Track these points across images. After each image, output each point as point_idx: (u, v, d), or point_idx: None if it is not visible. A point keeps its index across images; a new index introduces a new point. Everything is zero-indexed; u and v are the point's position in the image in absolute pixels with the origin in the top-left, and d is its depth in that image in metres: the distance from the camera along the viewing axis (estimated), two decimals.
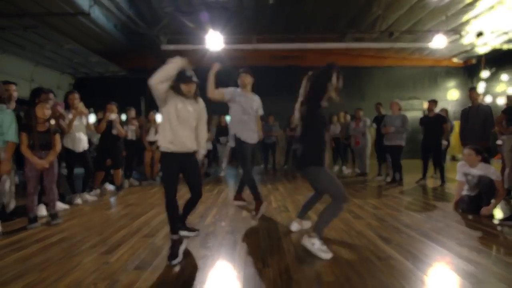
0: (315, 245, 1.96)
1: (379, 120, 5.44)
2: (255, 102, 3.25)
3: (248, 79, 3.19)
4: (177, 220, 2.14)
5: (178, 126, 2.09)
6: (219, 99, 3.08)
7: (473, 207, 2.93)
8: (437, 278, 1.66)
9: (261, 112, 3.30)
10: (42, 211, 3.06)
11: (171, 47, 6.97)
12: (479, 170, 2.90)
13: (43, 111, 2.70)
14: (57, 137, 2.87)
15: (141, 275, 1.73)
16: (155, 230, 2.57)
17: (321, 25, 7.27)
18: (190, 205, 2.30)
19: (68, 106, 3.66)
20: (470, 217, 2.82)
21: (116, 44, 7.42)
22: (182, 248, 2.02)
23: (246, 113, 3.14)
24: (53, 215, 2.81)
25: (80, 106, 3.66)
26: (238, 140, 3.13)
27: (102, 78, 9.17)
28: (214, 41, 6.34)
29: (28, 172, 2.68)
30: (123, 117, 5.03)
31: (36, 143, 2.68)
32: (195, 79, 2.15)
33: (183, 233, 2.28)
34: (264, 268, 1.78)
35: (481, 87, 8.72)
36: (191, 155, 2.18)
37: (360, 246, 2.11)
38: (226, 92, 3.11)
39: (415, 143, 9.03)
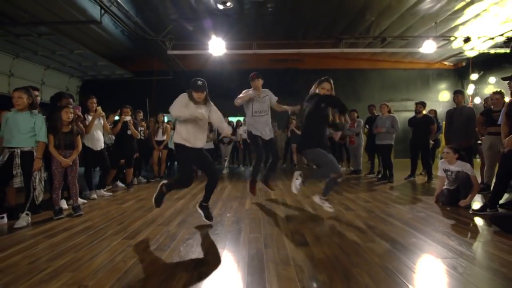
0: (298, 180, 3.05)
1: (371, 121, 5.80)
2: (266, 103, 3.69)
3: (259, 82, 3.65)
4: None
5: (192, 128, 2.61)
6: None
7: (451, 200, 3.28)
8: (412, 257, 1.99)
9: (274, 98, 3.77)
10: (64, 204, 3.39)
11: (176, 52, 7.29)
12: (457, 166, 3.25)
13: (68, 114, 3.03)
14: (79, 138, 3.19)
15: (161, 255, 2.05)
16: (168, 220, 2.90)
17: (318, 31, 7.61)
18: (209, 187, 2.79)
19: (86, 109, 3.99)
20: (448, 208, 3.17)
21: (123, 49, 7.74)
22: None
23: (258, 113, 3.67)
24: (75, 208, 3.13)
25: (99, 109, 4.01)
26: (250, 134, 3.74)
27: (108, 80, 9.49)
28: (217, 46, 6.67)
29: (54, 169, 3.00)
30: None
31: (61, 143, 3.00)
32: (205, 87, 2.58)
33: (200, 211, 2.76)
34: (266, 248, 2.11)
35: (470, 89, 9.11)
36: (201, 150, 2.70)
37: (349, 232, 2.45)
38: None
39: (406, 143, 9.44)
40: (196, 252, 2.10)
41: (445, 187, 3.41)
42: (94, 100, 4.01)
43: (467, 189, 3.18)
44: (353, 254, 2.01)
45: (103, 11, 5.45)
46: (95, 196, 4.01)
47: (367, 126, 6.22)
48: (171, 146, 5.21)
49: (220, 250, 2.13)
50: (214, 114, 2.76)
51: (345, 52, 7.95)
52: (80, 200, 3.65)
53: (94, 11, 5.64)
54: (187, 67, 9.37)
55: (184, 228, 2.64)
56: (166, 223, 2.80)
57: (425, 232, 2.40)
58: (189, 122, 2.60)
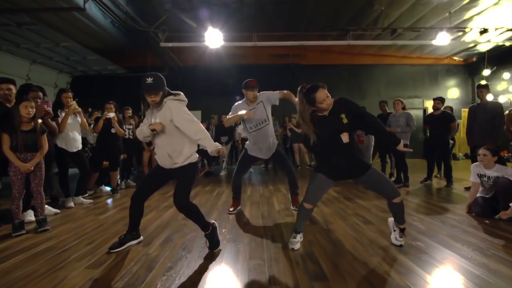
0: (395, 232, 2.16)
1: (383, 119, 5.28)
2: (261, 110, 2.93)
3: (250, 94, 2.90)
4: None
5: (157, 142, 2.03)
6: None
7: (487, 210, 2.77)
8: None
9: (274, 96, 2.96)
10: (31, 216, 2.87)
11: (170, 44, 6.77)
12: (495, 171, 2.74)
13: (28, 109, 2.50)
14: (44, 137, 2.66)
15: None
16: (150, 237, 2.38)
17: (323, 23, 7.09)
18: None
19: (61, 105, 3.47)
20: (487, 221, 2.65)
21: (114, 41, 7.19)
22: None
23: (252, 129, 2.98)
24: (40, 221, 2.60)
25: (74, 104, 3.48)
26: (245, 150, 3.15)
27: (100, 76, 8.95)
28: (214, 38, 6.15)
29: (12, 175, 2.48)
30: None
31: (19, 144, 2.47)
32: (156, 84, 1.90)
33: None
34: (271, 285, 1.60)
35: (484, 84, 8.61)
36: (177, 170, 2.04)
37: (376, 258, 1.93)
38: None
39: (416, 142, 8.94)
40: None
41: (479, 195, 2.89)
42: (70, 94, 3.47)
43: (508, 198, 2.67)
44: None
45: None
46: (71, 204, 3.48)
47: None
48: None
49: (210, 287, 1.61)
50: (181, 123, 1.93)
51: (351, 45, 7.42)
52: (52, 210, 3.14)
53: None
54: (182, 62, 8.85)
55: (168, 249, 2.12)
56: (147, 242, 2.28)
57: (474, 260, 1.89)
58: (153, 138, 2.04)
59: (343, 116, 1.93)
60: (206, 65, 8.93)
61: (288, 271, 1.74)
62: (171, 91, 2.01)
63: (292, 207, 3.21)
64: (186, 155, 2.01)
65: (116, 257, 1.99)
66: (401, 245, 2.10)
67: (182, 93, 2.03)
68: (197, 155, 2.13)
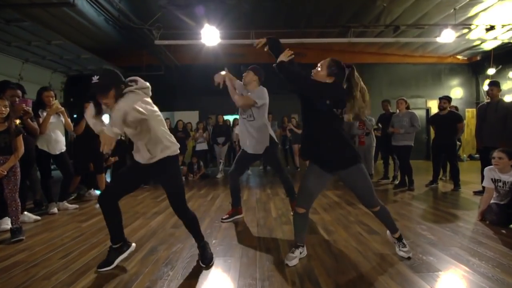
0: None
1: (386, 118, 5.06)
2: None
3: (247, 77, 2.77)
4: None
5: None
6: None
7: (503, 219, 2.53)
8: None
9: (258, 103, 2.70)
10: (7, 224, 2.64)
11: (165, 42, 6.56)
12: (511, 176, 2.51)
13: (0, 108, 2.28)
14: (20, 138, 2.44)
15: None
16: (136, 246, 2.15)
17: (323, 20, 6.86)
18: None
19: (42, 104, 3.25)
20: (503, 231, 2.42)
21: (108, 40, 6.98)
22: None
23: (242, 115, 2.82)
24: (14, 230, 2.39)
25: (56, 103, 3.26)
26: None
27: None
28: (210, 36, 5.94)
29: None
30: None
31: None
32: (104, 83, 1.58)
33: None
34: None
35: (486, 85, 8.38)
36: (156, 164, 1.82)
37: (383, 276, 1.70)
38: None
39: (419, 143, 8.70)
40: None
41: (493, 201, 2.66)
42: (51, 93, 3.25)
43: None
44: None
45: None
46: (55, 210, 3.26)
47: (379, 124, 5.48)
48: None
49: None
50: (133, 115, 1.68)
51: (352, 44, 7.21)
52: (32, 217, 2.93)
53: None
54: (179, 61, 8.63)
55: (149, 264, 1.89)
56: (128, 255, 2.04)
57: (497, 280, 1.66)
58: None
59: None
60: (203, 64, 8.71)
61: None
62: (128, 83, 1.69)
63: (291, 214, 2.98)
64: (163, 146, 1.78)
65: (87, 275, 1.76)
66: (409, 258, 1.88)
67: (139, 79, 1.72)
68: (177, 148, 1.86)
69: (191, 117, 8.12)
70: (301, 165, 7.18)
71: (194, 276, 1.73)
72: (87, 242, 2.33)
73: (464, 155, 9.08)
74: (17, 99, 2.83)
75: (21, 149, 2.45)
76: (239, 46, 7.82)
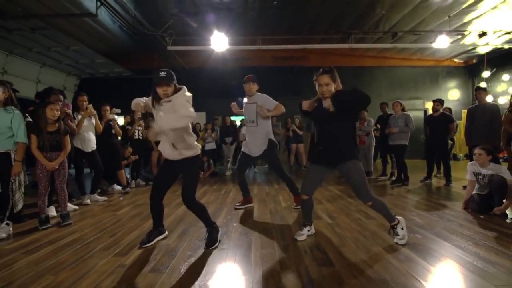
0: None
1: (384, 120, 5.45)
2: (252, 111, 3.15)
3: (245, 87, 3.15)
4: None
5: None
6: None
7: (483, 207, 2.93)
8: (458, 279, 1.66)
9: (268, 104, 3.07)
10: (53, 211, 3.06)
11: (177, 48, 6.97)
12: (490, 169, 2.90)
13: (53, 112, 2.69)
14: (67, 137, 2.85)
15: (158, 279, 1.70)
16: (167, 231, 2.56)
17: (325, 26, 7.27)
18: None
19: (76, 108, 3.66)
20: (482, 216, 2.82)
21: (121, 45, 7.42)
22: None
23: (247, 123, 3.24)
24: (63, 216, 2.79)
25: (90, 107, 3.68)
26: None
27: (107, 78, 9.19)
28: (219, 42, 6.33)
29: (39, 173, 2.67)
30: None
31: (46, 144, 2.67)
32: (169, 77, 2.01)
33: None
34: (283, 270, 1.77)
35: (482, 86, 8.76)
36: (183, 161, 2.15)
37: (377, 247, 2.10)
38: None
39: (416, 143, 9.09)
40: (200, 273, 1.76)
41: (475, 192, 3.06)
42: (85, 97, 3.68)
43: (502, 194, 2.83)
44: (389, 276, 1.67)
45: (99, 4, 5.12)
46: (88, 201, 3.67)
47: (378, 125, 5.88)
48: None
49: (228, 271, 1.79)
50: (179, 110, 2.05)
51: (353, 48, 7.60)
52: (71, 207, 3.33)
53: (90, 4, 5.32)
54: (188, 65, 9.05)
55: (185, 241, 2.30)
56: (164, 236, 2.45)
57: (467, 249, 2.06)
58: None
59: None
60: (211, 68, 9.13)
61: (298, 259, 1.92)
62: (179, 89, 2.09)
63: (293, 205, 3.34)
64: (190, 145, 2.14)
65: (138, 249, 2.17)
66: (404, 245, 2.10)
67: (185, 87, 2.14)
68: (199, 149, 2.25)
69: (198, 118, 8.53)
70: (295, 164, 7.55)
71: (226, 248, 2.13)
72: (126, 226, 2.74)
73: (461, 154, 9.46)
74: (59, 103, 3.24)
75: (69, 147, 2.86)
76: (246, 51, 8.21)
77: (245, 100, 3.21)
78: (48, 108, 2.67)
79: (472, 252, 1.96)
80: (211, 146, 7.01)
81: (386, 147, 5.31)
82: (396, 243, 2.15)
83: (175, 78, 2.09)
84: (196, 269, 1.81)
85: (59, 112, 2.75)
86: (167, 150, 2.15)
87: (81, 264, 1.92)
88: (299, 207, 3.09)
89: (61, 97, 3.27)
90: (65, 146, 2.81)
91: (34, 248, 2.22)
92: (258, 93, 3.19)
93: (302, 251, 2.04)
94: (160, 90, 2.02)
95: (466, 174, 3.15)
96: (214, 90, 9.23)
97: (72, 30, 6.38)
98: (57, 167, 2.74)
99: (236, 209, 3.27)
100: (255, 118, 3.12)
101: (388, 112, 5.67)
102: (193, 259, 1.94)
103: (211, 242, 2.17)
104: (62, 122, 2.93)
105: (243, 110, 3.29)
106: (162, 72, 2.01)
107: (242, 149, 3.31)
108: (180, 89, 2.09)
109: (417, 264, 1.81)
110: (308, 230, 2.33)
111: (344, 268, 1.78)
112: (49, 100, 3.07)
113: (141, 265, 1.88)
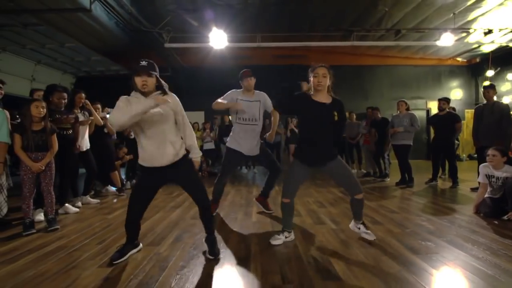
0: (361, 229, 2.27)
1: (377, 123, 5.36)
2: (256, 109, 2.89)
3: (246, 82, 2.89)
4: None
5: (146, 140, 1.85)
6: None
7: (496, 211, 2.76)
8: None
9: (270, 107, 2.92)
10: (41, 215, 2.88)
11: (174, 45, 6.80)
12: (504, 172, 2.74)
13: (39, 109, 2.52)
14: (54, 137, 2.68)
15: None
16: (160, 237, 2.39)
17: (326, 24, 7.10)
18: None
19: (74, 105, 3.48)
20: (495, 222, 2.65)
21: (118, 42, 7.23)
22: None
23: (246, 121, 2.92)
24: (50, 220, 2.62)
25: (88, 104, 3.58)
26: (227, 147, 2.99)
27: (103, 77, 9.00)
28: (218, 39, 6.17)
29: (23, 174, 2.50)
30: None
31: (30, 144, 2.49)
32: (150, 66, 1.78)
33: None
34: (285, 284, 1.60)
35: (491, 84, 8.61)
36: (175, 165, 1.88)
37: (387, 257, 1.93)
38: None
39: (419, 143, 8.93)
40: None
41: (487, 195, 2.89)
42: (83, 95, 3.51)
43: None
44: None
45: None
46: (79, 204, 3.50)
47: (374, 129, 5.71)
48: None
49: (225, 286, 1.62)
50: (184, 119, 1.98)
51: (354, 46, 7.44)
52: (72, 209, 3.21)
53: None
54: (186, 63, 8.87)
55: (179, 249, 2.13)
56: (157, 241, 2.29)
57: (486, 260, 1.89)
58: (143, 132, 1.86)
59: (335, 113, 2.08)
60: (209, 66, 8.95)
61: (301, 271, 1.75)
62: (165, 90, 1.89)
63: (254, 198, 3.25)
64: (182, 145, 1.94)
65: (128, 257, 2.00)
66: (374, 239, 2.19)
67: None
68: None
69: (197, 117, 8.36)
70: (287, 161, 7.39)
71: (222, 258, 1.96)
72: (117, 231, 2.56)
73: (464, 155, 9.31)
74: (63, 101, 3.07)
75: (56, 146, 2.68)
76: (245, 49, 8.04)
77: (240, 96, 2.90)
78: (32, 105, 2.49)
79: (492, 264, 1.79)
80: (209, 146, 6.84)
81: (381, 150, 5.29)
82: (365, 238, 2.22)
83: (158, 71, 1.86)
84: (189, 283, 1.64)
85: (45, 109, 2.57)
86: (161, 153, 1.84)
87: (62, 276, 1.75)
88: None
89: (65, 94, 3.11)
90: (51, 146, 2.64)
91: (14, 257, 2.05)
92: (256, 90, 2.99)
93: (306, 262, 1.87)
94: (139, 80, 1.78)
95: (478, 176, 2.99)
96: (213, 89, 9.01)
97: (66, 27, 6.19)
98: (43, 168, 2.57)
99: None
100: (258, 117, 2.89)
101: (380, 117, 5.49)
102: (186, 271, 1.77)
103: (218, 251, 1.97)
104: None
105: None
106: (143, 61, 1.78)
107: (232, 147, 2.90)
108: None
109: (430, 276, 1.64)
110: (286, 237, 2.18)
111: (351, 282, 1.61)
112: (52, 98, 2.91)
113: (127, 277, 1.70)
